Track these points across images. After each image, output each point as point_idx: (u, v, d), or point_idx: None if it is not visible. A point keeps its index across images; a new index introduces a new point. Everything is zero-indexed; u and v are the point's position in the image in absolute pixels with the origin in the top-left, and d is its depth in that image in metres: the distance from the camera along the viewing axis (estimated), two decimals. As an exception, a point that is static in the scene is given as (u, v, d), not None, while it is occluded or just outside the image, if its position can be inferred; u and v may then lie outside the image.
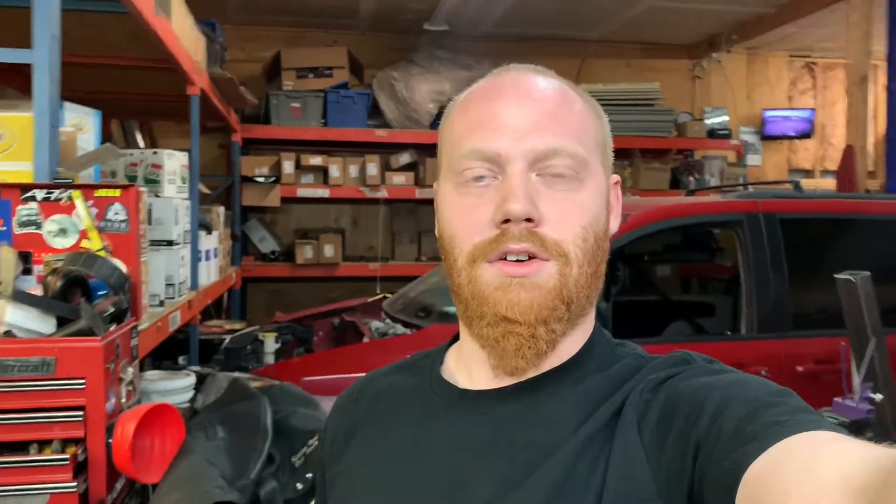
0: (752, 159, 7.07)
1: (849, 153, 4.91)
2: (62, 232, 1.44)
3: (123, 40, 2.93)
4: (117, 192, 1.51)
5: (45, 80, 1.47)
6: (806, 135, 7.17)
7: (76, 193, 1.45)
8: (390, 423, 0.79)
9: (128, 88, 4.12)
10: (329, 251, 5.60)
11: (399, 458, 0.75)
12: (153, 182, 2.83)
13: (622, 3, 5.65)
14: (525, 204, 0.69)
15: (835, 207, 3.22)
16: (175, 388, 2.43)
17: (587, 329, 0.77)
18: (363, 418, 0.82)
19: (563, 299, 0.70)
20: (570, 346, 0.74)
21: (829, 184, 6.34)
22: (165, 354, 3.31)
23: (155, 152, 2.84)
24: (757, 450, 0.54)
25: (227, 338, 3.46)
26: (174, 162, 2.92)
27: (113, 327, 1.33)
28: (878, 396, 1.56)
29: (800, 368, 2.69)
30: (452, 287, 0.75)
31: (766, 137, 7.15)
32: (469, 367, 0.77)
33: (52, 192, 1.47)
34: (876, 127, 6.98)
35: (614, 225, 0.78)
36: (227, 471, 1.30)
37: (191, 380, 2.41)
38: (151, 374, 2.71)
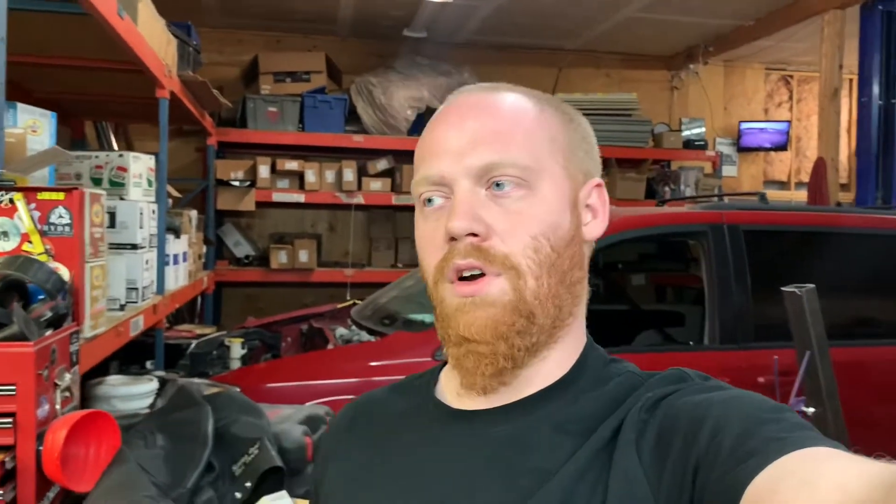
0: (729, 170, 7.12)
1: (820, 166, 4.96)
2: (3, 235, 1.42)
3: (93, 42, 2.90)
4: (61, 196, 1.49)
5: (-12, 81, 1.45)
6: (782, 147, 7.23)
7: (18, 196, 1.44)
8: (387, 446, 0.78)
9: (102, 90, 4.08)
10: (304, 256, 5.58)
11: (396, 482, 0.74)
12: (118, 185, 2.81)
13: (600, 14, 5.69)
14: (464, 220, 0.70)
15: (799, 220, 3.25)
16: (136, 393, 2.41)
17: (577, 346, 0.76)
18: (359, 440, 0.81)
19: (522, 313, 0.70)
20: (559, 363, 0.74)
21: (804, 196, 6.40)
22: (135, 359, 3.28)
23: (121, 155, 2.81)
24: (756, 467, 0.53)
25: (193, 343, 3.43)
26: (140, 165, 2.89)
27: (50, 332, 1.31)
28: (811, 410, 1.57)
29: (761, 379, 2.70)
30: (433, 311, 0.77)
31: (743, 149, 7.21)
32: (457, 389, 0.77)
33: (-6, 195, 1.45)
34: (850, 140, 7.06)
35: (599, 229, 0.78)
36: (163, 479, 1.29)
37: (152, 385, 2.39)
38: (113, 378, 2.69)
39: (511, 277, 0.70)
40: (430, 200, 0.75)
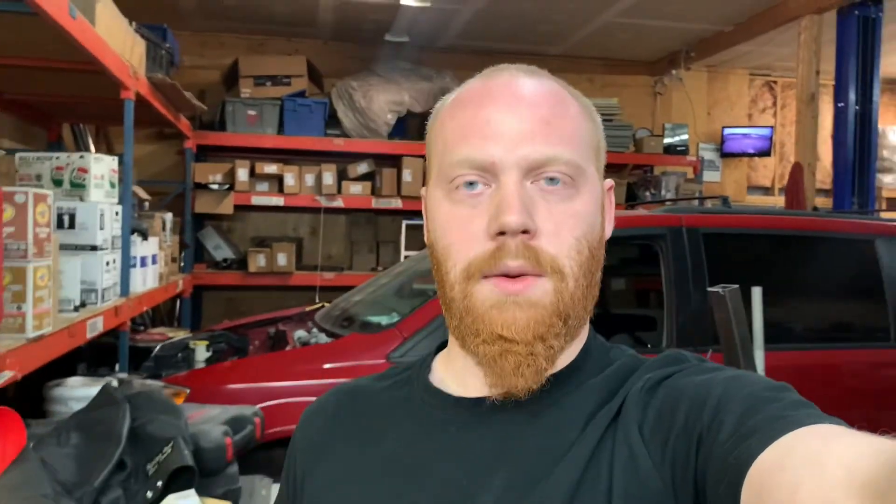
0: (712, 175, 7.12)
1: (796, 171, 4.96)
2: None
3: (51, 42, 2.90)
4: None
5: None
6: (765, 152, 7.23)
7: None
8: (381, 436, 0.76)
9: (70, 92, 4.09)
10: (282, 260, 5.57)
11: (394, 473, 0.72)
12: (79, 186, 2.82)
13: (580, 18, 5.70)
14: (521, 215, 0.67)
15: (758, 223, 3.24)
16: (93, 395, 2.41)
17: (583, 336, 0.76)
18: (345, 431, 0.79)
19: (561, 315, 0.69)
20: (567, 353, 0.73)
21: (787, 201, 6.41)
22: (104, 361, 3.28)
23: (82, 156, 2.82)
24: (760, 444, 0.53)
25: (158, 345, 3.43)
26: (102, 166, 2.90)
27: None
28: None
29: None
30: (443, 300, 0.73)
31: (726, 154, 7.21)
32: (463, 378, 0.75)
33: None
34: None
35: (608, 230, 0.77)
36: (69, 477, 1.28)
37: (110, 387, 2.39)
38: (73, 380, 2.68)
39: (554, 280, 0.68)
40: (471, 184, 0.70)
